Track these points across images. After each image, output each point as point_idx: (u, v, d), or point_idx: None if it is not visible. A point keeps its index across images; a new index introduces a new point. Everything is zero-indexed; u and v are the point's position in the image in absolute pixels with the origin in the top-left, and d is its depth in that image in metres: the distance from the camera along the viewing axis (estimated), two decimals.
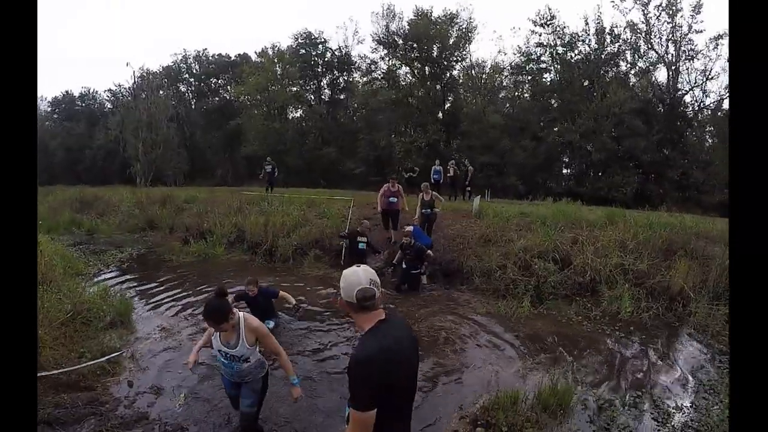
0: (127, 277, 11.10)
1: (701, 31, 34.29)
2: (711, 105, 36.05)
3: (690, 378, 6.44)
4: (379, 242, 12.11)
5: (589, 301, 9.25)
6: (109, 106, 50.24)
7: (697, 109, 36.65)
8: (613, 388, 6.07)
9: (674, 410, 5.52)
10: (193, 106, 49.50)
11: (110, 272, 11.57)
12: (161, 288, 9.99)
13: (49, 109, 56.34)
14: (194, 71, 49.96)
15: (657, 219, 11.98)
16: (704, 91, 35.82)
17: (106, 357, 5.94)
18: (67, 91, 54.86)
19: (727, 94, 32.58)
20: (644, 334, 8.03)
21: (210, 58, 49.74)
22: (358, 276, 2.35)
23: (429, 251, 10.33)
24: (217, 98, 50.17)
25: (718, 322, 8.21)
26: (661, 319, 8.65)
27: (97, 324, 7.16)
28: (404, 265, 10.28)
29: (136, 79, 38.19)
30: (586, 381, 6.18)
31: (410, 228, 10.65)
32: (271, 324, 7.22)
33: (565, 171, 39.21)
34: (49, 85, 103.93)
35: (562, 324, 8.40)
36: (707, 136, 37.69)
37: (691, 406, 5.63)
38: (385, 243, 12.35)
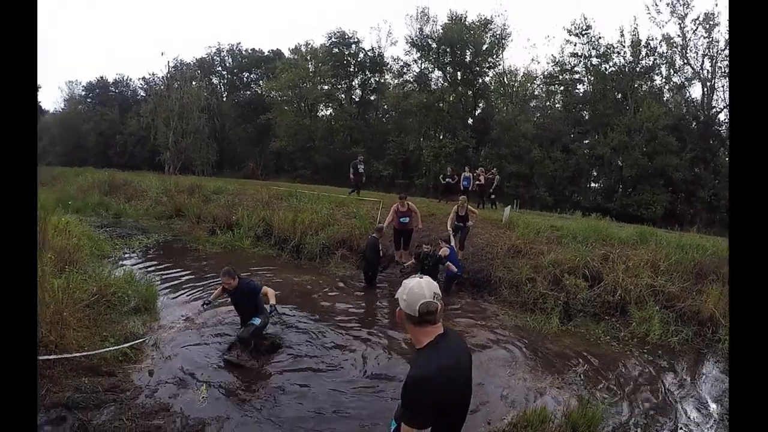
0: (153, 263, 11.19)
1: None
2: None
3: (715, 406, 6.30)
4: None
5: (618, 321, 9.07)
6: (141, 94, 50.94)
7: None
8: (639, 412, 5.96)
9: None
10: (224, 99, 49.88)
11: (136, 257, 11.63)
12: (186, 277, 10.05)
13: (83, 93, 57.45)
14: (227, 64, 50.26)
15: (689, 240, 11.67)
16: None
17: (129, 343, 5.91)
18: (101, 77, 55.75)
19: None
20: (672, 358, 7.84)
21: (243, 52, 49.98)
22: (422, 288, 2.23)
23: (450, 265, 9.95)
24: (248, 92, 50.37)
25: None
26: (690, 344, 8.41)
27: (121, 308, 7.20)
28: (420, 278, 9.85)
29: (170, 69, 38.65)
30: (613, 403, 6.06)
31: (447, 250, 10.16)
32: (257, 321, 6.41)
33: (593, 185, 38.45)
34: (85, 71, 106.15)
35: (591, 343, 8.26)
36: None
37: None
38: (388, 262, 11.81)
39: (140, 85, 53.62)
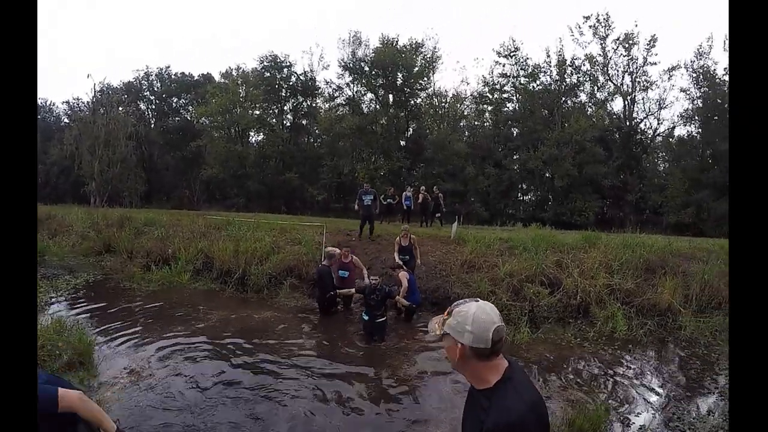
0: (84, 307, 10.06)
1: (655, 63, 36.51)
2: (664, 132, 38.36)
3: (698, 386, 6.77)
4: None
5: (584, 323, 9.35)
6: (65, 121, 47.86)
7: (651, 136, 38.82)
8: (633, 405, 6.14)
9: (696, 420, 5.64)
10: (152, 125, 47.93)
11: (64, 301, 10.60)
12: (124, 321, 8.96)
13: None
14: (155, 89, 48.52)
15: (632, 240, 12.20)
16: (658, 119, 38.22)
17: None
18: None
19: (680, 122, 35.70)
20: (643, 350, 8.31)
21: (173, 76, 48.49)
22: (488, 313, 1.79)
23: (398, 297, 9.13)
24: (177, 118, 48.65)
25: (708, 334, 8.75)
26: (654, 335, 8.92)
27: (52, 365, 6.11)
28: (365, 316, 8.55)
29: (95, 93, 36.85)
30: (603, 401, 6.14)
31: (406, 274, 9.50)
32: None
33: (526, 197, 40.20)
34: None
35: (563, 347, 8.40)
36: (659, 162, 40.31)
37: (708, 413, 5.80)
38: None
39: (64, 111, 50.82)
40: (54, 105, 53.20)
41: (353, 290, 9.60)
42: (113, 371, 6.56)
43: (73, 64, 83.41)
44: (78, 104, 47.12)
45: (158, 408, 5.58)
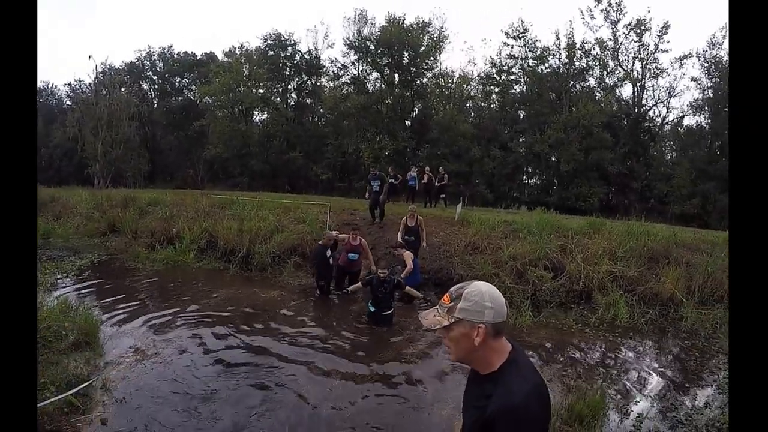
0: (89, 287, 10.08)
1: (667, 51, 35.74)
2: (673, 121, 37.91)
3: (697, 378, 6.79)
4: None
5: (586, 309, 9.37)
6: (68, 103, 47.63)
7: (659, 124, 38.23)
8: (631, 393, 6.15)
9: (693, 411, 5.64)
10: (155, 105, 47.77)
11: (70, 282, 10.60)
12: (129, 300, 9.00)
13: None
14: (158, 69, 48.19)
15: (636, 228, 12.12)
16: (667, 108, 37.56)
17: (74, 389, 4.96)
18: None
19: (689, 111, 35.02)
20: (643, 339, 8.32)
21: (175, 56, 48.10)
22: (493, 287, 1.78)
23: (408, 288, 8.82)
24: (180, 98, 48.25)
25: (709, 326, 8.67)
26: (655, 324, 8.90)
27: (58, 345, 6.12)
28: (372, 308, 8.28)
29: (97, 74, 36.63)
30: (603, 387, 6.08)
31: (411, 255, 9.53)
32: None
33: (531, 181, 39.95)
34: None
35: (565, 332, 8.41)
36: (667, 151, 39.92)
37: (705, 406, 5.80)
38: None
39: (66, 93, 50.61)
40: (56, 87, 53.12)
41: (360, 285, 9.13)
42: (119, 350, 6.59)
43: (73, 65, 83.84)
44: (80, 86, 46.88)
45: (163, 386, 5.62)
